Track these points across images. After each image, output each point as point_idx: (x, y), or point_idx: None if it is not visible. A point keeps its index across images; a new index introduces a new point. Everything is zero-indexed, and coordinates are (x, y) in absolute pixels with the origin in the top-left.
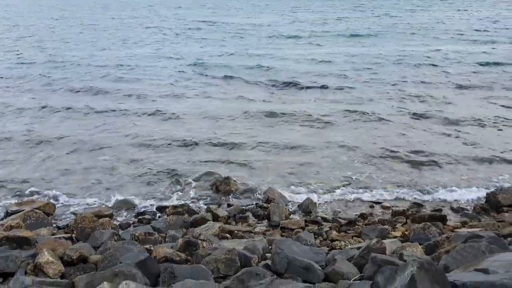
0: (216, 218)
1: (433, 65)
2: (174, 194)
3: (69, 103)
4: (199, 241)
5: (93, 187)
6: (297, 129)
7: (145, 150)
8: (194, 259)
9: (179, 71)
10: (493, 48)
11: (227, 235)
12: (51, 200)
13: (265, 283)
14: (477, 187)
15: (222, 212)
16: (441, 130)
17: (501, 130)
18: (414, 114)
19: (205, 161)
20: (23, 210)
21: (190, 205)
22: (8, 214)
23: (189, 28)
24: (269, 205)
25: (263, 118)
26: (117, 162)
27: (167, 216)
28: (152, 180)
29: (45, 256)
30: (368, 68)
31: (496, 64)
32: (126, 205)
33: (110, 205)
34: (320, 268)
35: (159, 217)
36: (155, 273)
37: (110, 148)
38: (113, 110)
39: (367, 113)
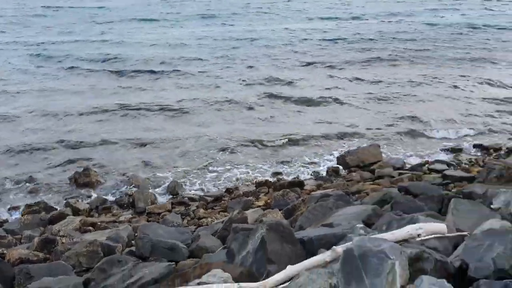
0: (76, 212)
1: (284, 44)
2: (28, 193)
3: None
4: (58, 238)
5: None
6: (156, 119)
7: None
8: (53, 257)
9: (12, 63)
10: (336, 25)
11: (90, 228)
12: None
13: (127, 268)
14: (330, 154)
15: (83, 205)
16: (293, 108)
17: (346, 104)
18: (270, 95)
19: (58, 165)
20: None
21: (47, 201)
22: None
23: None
24: (133, 192)
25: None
26: None
27: (22, 216)
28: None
29: None
30: (222, 50)
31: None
32: None
33: None
34: (185, 246)
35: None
36: (9, 276)
37: None
38: None
39: (226, 99)
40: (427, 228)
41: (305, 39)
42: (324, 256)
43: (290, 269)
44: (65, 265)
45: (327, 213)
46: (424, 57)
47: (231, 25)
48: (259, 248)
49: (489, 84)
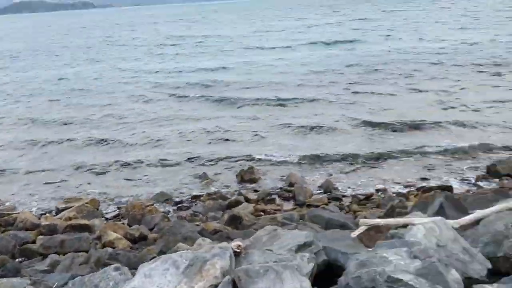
0: (247, 200)
1: None
2: (204, 185)
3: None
4: (242, 215)
5: (127, 185)
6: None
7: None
8: (241, 229)
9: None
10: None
11: (261, 213)
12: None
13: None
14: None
15: (252, 195)
16: None
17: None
18: None
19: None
20: (72, 206)
21: (222, 191)
22: (59, 210)
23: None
24: (293, 188)
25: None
26: (142, 163)
27: (204, 202)
28: (179, 175)
29: (112, 235)
30: None
31: None
32: (164, 197)
33: (150, 198)
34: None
35: (195, 204)
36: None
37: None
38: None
39: None
40: None
41: None
42: (509, 203)
43: (479, 212)
44: None
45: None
46: None
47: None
48: (437, 213)
49: None
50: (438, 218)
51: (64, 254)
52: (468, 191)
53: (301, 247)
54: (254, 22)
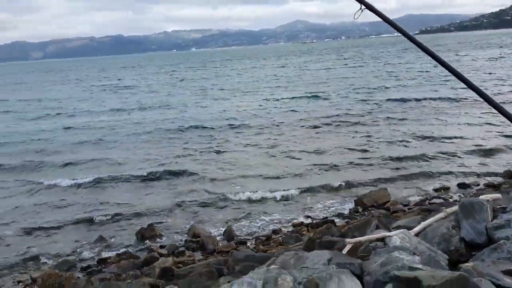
0: (161, 255)
1: None
2: (104, 247)
3: None
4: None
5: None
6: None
7: None
8: (175, 279)
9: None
10: None
11: (180, 265)
12: None
13: None
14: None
15: (163, 250)
16: None
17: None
18: None
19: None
20: None
21: (130, 251)
22: None
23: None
24: (198, 238)
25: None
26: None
27: (115, 263)
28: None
29: None
30: None
31: None
32: (66, 264)
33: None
34: None
35: (104, 267)
36: None
37: None
38: None
39: None
40: None
41: None
42: (441, 214)
43: (423, 223)
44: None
45: None
46: None
47: None
48: (376, 229)
49: None
50: (402, 230)
51: None
52: (347, 222)
53: (329, 261)
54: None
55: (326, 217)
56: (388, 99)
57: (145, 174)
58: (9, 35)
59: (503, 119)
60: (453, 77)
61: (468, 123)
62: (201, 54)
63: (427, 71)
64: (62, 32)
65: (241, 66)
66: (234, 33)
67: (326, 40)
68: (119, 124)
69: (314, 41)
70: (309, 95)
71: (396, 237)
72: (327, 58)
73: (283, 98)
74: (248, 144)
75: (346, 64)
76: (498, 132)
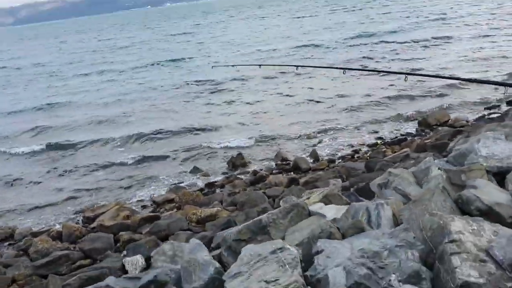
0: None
1: None
2: (203, 176)
3: None
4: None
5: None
6: None
7: None
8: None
9: None
10: None
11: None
12: None
13: None
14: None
15: (263, 172)
16: None
17: None
18: None
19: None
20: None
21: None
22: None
23: None
24: (288, 161)
25: None
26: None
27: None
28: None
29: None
30: None
31: None
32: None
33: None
34: None
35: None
36: None
37: None
38: None
39: None
40: None
41: None
42: None
43: None
44: None
45: None
46: None
47: None
48: None
49: None
50: None
51: None
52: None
53: None
54: None
55: (396, 137)
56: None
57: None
58: None
59: None
60: None
61: None
62: (178, 8)
63: None
64: None
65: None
66: None
67: None
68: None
69: None
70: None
71: None
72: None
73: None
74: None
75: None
76: None
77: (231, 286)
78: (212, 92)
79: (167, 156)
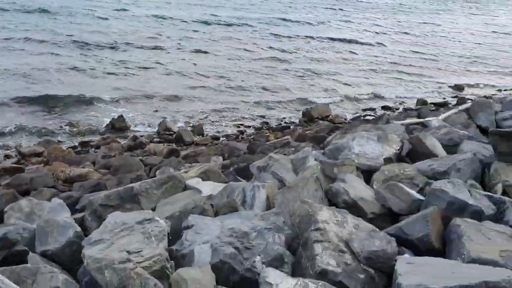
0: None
1: None
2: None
3: None
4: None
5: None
6: None
7: None
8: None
9: None
10: None
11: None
12: None
13: None
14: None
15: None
16: None
17: None
18: None
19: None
20: None
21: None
22: None
23: None
24: (171, 132)
25: None
26: None
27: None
28: None
29: None
30: None
31: None
32: None
33: None
34: None
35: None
36: None
37: None
38: None
39: None
40: None
41: None
42: (454, 110)
43: (443, 115)
44: None
45: None
46: None
47: None
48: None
49: None
50: (435, 117)
51: None
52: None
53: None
54: None
55: (280, 124)
56: None
57: None
58: None
59: None
60: None
61: None
62: None
63: None
64: None
65: None
66: None
67: None
68: None
69: None
70: None
71: (435, 120)
72: None
73: None
74: None
75: None
76: None
77: (89, 252)
78: None
79: (43, 105)
